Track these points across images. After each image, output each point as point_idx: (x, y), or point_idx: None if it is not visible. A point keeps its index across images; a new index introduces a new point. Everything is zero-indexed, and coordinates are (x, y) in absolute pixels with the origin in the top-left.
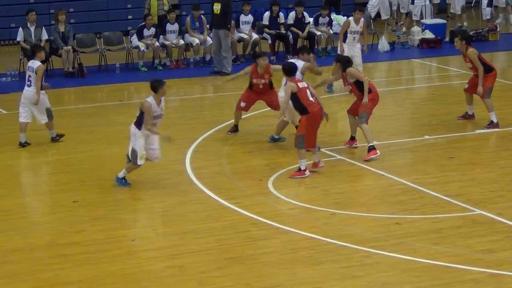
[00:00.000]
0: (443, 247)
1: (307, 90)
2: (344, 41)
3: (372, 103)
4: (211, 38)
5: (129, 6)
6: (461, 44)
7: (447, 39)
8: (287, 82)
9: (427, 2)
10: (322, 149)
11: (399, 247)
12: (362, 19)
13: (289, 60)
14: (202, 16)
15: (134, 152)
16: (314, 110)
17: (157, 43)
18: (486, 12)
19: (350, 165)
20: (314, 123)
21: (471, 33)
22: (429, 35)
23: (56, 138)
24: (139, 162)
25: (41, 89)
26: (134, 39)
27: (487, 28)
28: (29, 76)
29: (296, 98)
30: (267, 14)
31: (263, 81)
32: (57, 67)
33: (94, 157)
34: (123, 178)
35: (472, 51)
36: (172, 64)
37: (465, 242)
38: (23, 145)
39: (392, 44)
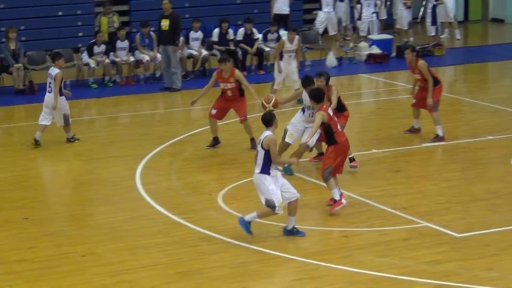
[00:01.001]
0: (390, 259)
1: (336, 119)
2: (281, 59)
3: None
4: (160, 54)
5: (79, 23)
6: (412, 55)
7: (393, 54)
8: (316, 111)
9: (374, 18)
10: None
11: (347, 259)
12: (297, 37)
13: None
14: (151, 33)
15: (269, 202)
16: (342, 140)
17: (107, 60)
18: (431, 29)
19: (299, 179)
20: (342, 154)
21: (417, 48)
22: (376, 50)
23: (71, 140)
24: (279, 211)
25: (61, 95)
26: (85, 56)
27: (433, 43)
28: (49, 82)
29: (327, 127)
30: (216, 30)
31: (229, 85)
32: (8, 84)
33: (44, 174)
34: (250, 222)
35: (422, 62)
36: (122, 81)
37: (412, 254)
38: (36, 142)
39: (339, 59)
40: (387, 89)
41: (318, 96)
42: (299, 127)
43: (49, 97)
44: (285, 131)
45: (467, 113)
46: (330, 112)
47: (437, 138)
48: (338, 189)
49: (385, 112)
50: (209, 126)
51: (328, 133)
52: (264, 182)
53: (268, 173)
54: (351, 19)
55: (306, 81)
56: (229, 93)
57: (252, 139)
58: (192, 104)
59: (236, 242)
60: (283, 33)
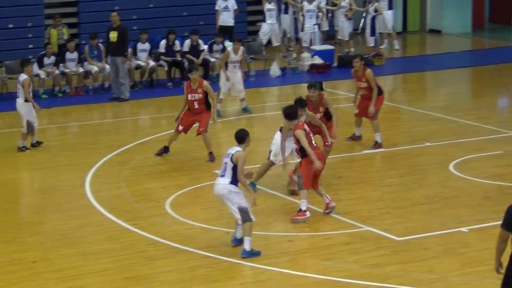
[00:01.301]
0: (333, 262)
1: (311, 134)
2: (227, 69)
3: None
4: (109, 65)
5: (29, 35)
6: (360, 64)
7: (335, 64)
8: (293, 129)
9: (316, 29)
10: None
11: (291, 263)
12: (241, 48)
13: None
14: (100, 44)
15: (243, 208)
16: (316, 153)
17: (57, 71)
18: (370, 40)
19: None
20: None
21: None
22: (318, 60)
23: (35, 145)
24: (253, 217)
25: (26, 101)
26: (35, 67)
27: (373, 53)
28: (18, 88)
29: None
30: (163, 42)
31: (196, 96)
32: None
33: None
34: (251, 249)
35: (370, 71)
36: (71, 91)
37: (354, 257)
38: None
39: (283, 69)
40: (329, 98)
41: (292, 114)
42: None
43: (17, 102)
44: (270, 151)
45: (406, 120)
46: (306, 127)
47: (377, 145)
48: (306, 202)
49: None
50: (156, 135)
51: (302, 147)
52: (234, 191)
53: (237, 185)
54: (295, 30)
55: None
56: (196, 105)
57: (211, 153)
58: (176, 120)
59: (184, 248)
60: (228, 44)
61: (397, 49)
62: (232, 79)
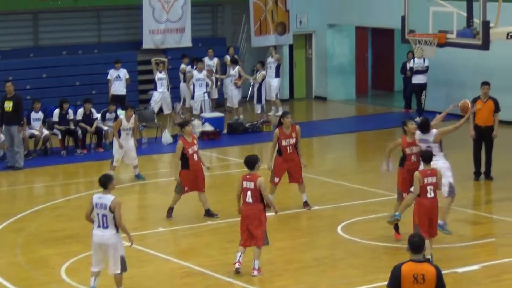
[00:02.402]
0: None
1: (248, 192)
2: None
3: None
4: (3, 134)
5: None
6: (290, 120)
7: (225, 131)
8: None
9: (206, 97)
10: None
11: None
12: (133, 115)
13: None
14: None
15: (123, 259)
16: (243, 209)
17: None
18: (256, 107)
19: (138, 251)
20: (242, 220)
21: (247, 125)
22: (208, 127)
23: None
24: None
25: None
26: None
27: (261, 120)
28: None
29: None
30: (57, 111)
31: (291, 141)
32: None
33: None
34: None
35: (299, 126)
36: None
37: None
38: None
39: (175, 136)
40: (219, 164)
41: (250, 162)
42: None
43: None
44: None
45: (296, 185)
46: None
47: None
48: None
49: (219, 185)
50: (51, 202)
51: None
52: (121, 240)
53: (119, 232)
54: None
55: None
56: (289, 149)
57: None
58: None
59: None
60: (121, 112)
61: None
62: (124, 146)
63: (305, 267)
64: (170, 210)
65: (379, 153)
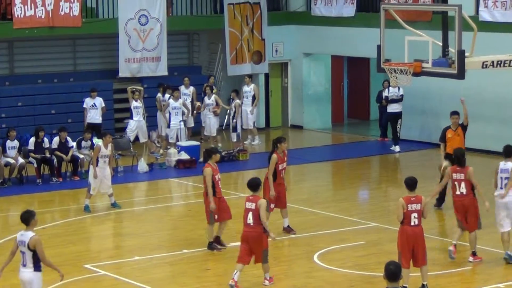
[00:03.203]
0: None
1: (250, 212)
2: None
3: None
4: None
5: None
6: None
7: (201, 159)
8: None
9: (182, 126)
10: (88, 265)
11: None
12: (110, 143)
13: None
14: None
15: None
16: (243, 230)
17: None
18: (232, 136)
19: (114, 279)
20: (241, 242)
21: (223, 153)
22: (184, 156)
23: None
24: None
25: None
26: None
27: (238, 148)
28: None
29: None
30: (32, 139)
31: (285, 165)
32: None
33: None
34: None
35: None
36: None
37: None
38: None
39: (150, 165)
40: (195, 192)
41: (254, 185)
42: None
43: None
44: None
45: (271, 213)
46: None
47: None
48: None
49: (194, 214)
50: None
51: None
52: (39, 277)
53: (40, 270)
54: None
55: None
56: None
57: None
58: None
59: None
60: (97, 140)
61: (254, 144)
62: (100, 175)
63: None
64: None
65: (355, 182)
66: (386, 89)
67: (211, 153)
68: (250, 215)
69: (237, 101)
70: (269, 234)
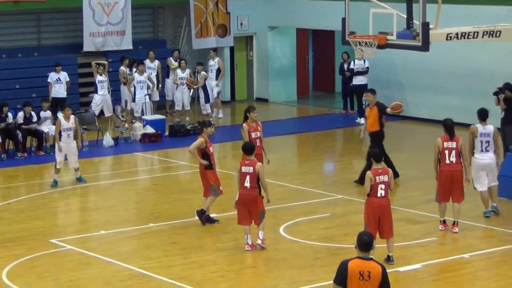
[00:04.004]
0: None
1: (247, 176)
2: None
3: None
4: None
5: None
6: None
7: (166, 133)
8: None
9: (147, 100)
10: (54, 240)
11: None
12: (72, 116)
13: None
14: None
15: None
16: (241, 193)
17: None
18: (206, 107)
19: (80, 254)
20: (240, 205)
21: (188, 127)
22: (150, 130)
23: None
24: None
25: None
26: None
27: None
28: None
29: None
30: None
31: (258, 134)
32: None
33: None
34: None
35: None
36: None
37: None
38: None
39: (116, 139)
40: (161, 166)
41: (249, 149)
42: None
43: None
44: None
45: (235, 186)
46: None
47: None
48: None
49: (160, 188)
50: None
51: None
52: None
53: None
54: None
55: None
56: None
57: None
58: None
59: None
60: (61, 114)
61: (220, 117)
62: (65, 149)
63: (248, 267)
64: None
65: (320, 154)
66: (352, 62)
67: (203, 126)
68: (248, 178)
69: (203, 73)
70: (267, 196)
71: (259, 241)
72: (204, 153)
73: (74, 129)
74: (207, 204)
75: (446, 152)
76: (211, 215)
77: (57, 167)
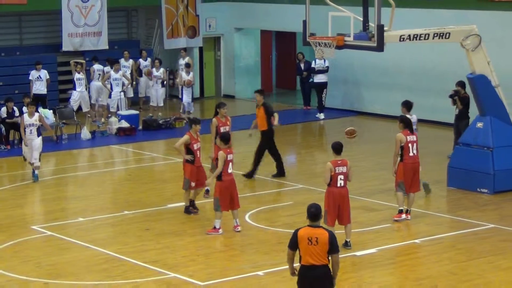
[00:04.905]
0: None
1: (230, 163)
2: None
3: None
4: None
5: None
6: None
7: (140, 127)
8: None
9: (122, 96)
10: (35, 227)
11: None
12: (36, 113)
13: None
14: None
15: None
16: (226, 179)
17: None
18: (185, 105)
19: (59, 239)
20: (226, 190)
21: (160, 121)
22: (125, 124)
23: None
24: None
25: None
26: None
27: (174, 117)
28: None
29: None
30: None
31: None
32: None
33: None
34: None
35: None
36: None
37: None
38: None
39: (93, 133)
40: (135, 158)
41: (229, 137)
42: None
43: None
44: None
45: None
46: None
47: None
48: (220, 221)
49: (134, 178)
50: None
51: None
52: None
53: None
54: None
55: None
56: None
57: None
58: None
59: None
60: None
61: (190, 112)
62: (29, 144)
63: (215, 252)
64: (188, 207)
65: (283, 147)
66: (313, 61)
67: (191, 123)
68: (230, 165)
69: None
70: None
71: (239, 228)
72: (188, 149)
73: (39, 126)
74: (184, 198)
75: (410, 145)
76: (189, 207)
77: (26, 160)
